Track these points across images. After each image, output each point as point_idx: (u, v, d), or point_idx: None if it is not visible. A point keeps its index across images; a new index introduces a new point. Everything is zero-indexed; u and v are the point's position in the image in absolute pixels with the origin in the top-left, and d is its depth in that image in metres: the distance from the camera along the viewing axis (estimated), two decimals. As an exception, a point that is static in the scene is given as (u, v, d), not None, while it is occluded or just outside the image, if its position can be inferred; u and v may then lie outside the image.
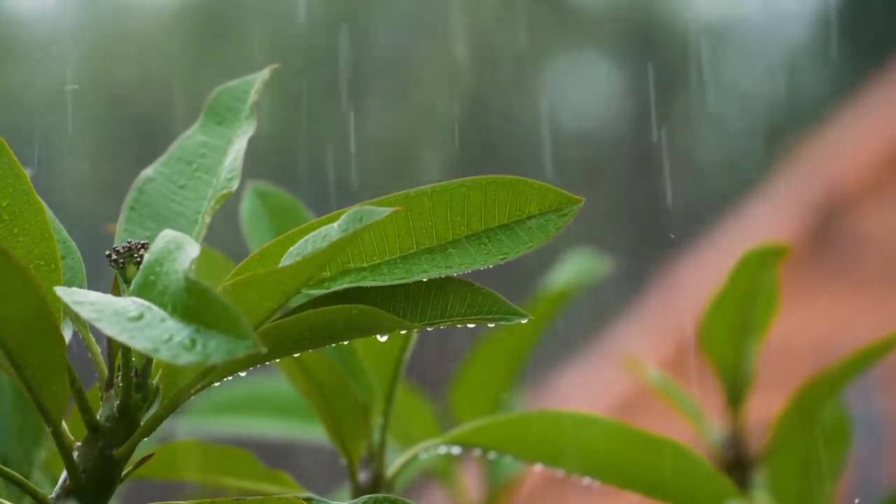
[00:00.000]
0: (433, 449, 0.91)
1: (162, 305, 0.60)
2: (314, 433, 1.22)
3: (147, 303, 0.61)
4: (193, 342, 0.57)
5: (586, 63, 5.53)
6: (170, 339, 0.57)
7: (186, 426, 1.19)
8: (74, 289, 0.63)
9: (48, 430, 0.66)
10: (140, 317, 0.59)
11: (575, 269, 1.44)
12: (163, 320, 0.59)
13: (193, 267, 0.61)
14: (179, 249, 0.62)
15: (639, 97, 5.12)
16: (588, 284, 1.45)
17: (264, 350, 0.57)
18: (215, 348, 0.57)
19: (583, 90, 5.35)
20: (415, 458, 0.92)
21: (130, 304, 0.61)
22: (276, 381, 1.22)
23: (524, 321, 0.68)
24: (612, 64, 5.45)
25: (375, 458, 0.93)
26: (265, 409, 1.23)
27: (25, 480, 0.67)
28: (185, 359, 0.56)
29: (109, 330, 0.58)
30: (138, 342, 0.57)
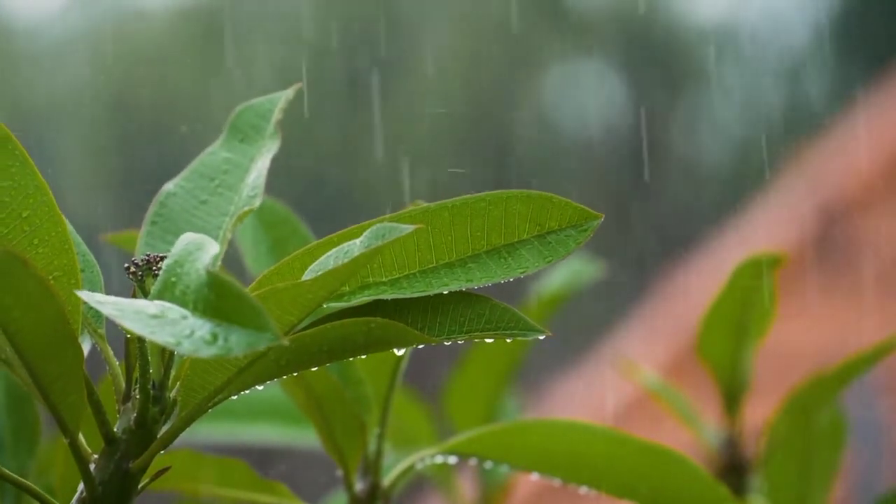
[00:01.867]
0: (429, 458, 0.92)
1: (183, 304, 0.62)
2: (308, 438, 1.25)
3: (168, 304, 0.63)
4: (215, 336, 0.59)
5: (587, 69, 5.57)
6: (191, 333, 0.59)
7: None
8: (95, 293, 0.65)
9: (66, 441, 0.68)
10: (161, 314, 0.61)
11: (568, 273, 1.47)
12: (184, 317, 0.61)
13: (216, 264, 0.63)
14: (200, 249, 0.64)
15: (640, 103, 5.16)
16: (581, 288, 1.49)
17: (286, 342, 0.58)
18: (237, 342, 0.59)
19: (584, 96, 5.38)
20: (411, 467, 0.93)
21: (150, 304, 0.62)
22: (270, 385, 1.24)
23: (541, 337, 0.71)
24: (613, 70, 5.48)
25: (372, 468, 0.95)
26: (258, 413, 1.26)
27: (43, 493, 0.70)
28: (207, 352, 0.58)
29: (131, 326, 0.60)
30: (160, 337, 0.59)
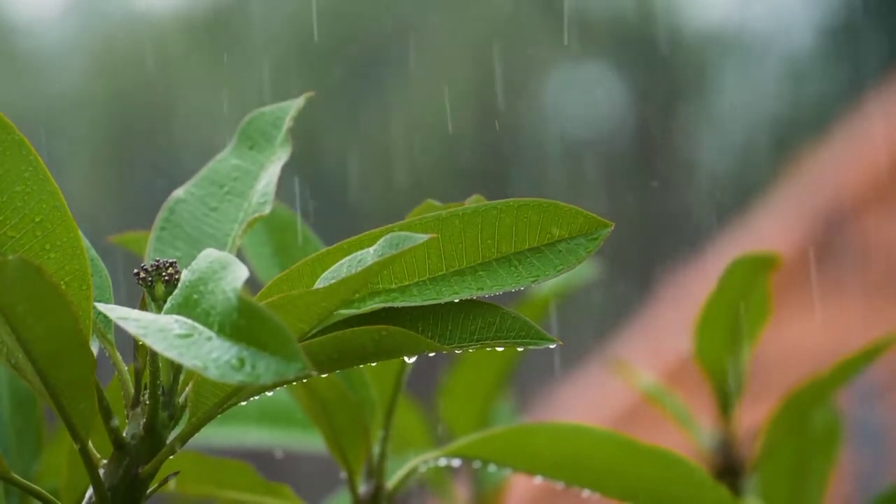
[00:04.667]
0: (433, 462, 0.93)
1: (207, 324, 0.62)
2: (310, 442, 1.26)
3: (190, 321, 0.62)
4: (242, 361, 0.59)
5: (591, 73, 5.59)
6: (217, 357, 0.59)
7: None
8: (116, 306, 0.65)
9: (76, 446, 0.68)
10: (188, 335, 0.61)
11: (562, 275, 1.48)
12: (209, 339, 0.60)
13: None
14: (225, 269, 0.64)
15: (643, 107, 5.18)
16: (576, 290, 1.50)
17: (315, 373, 0.58)
18: (265, 369, 0.59)
19: (587, 99, 5.40)
20: (415, 470, 0.95)
21: (173, 322, 0.62)
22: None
23: (552, 346, 0.71)
24: (616, 73, 5.50)
25: (375, 470, 0.96)
26: (262, 418, 1.26)
27: (50, 496, 0.70)
28: (235, 378, 0.58)
29: (157, 346, 0.60)
30: (186, 360, 0.59)
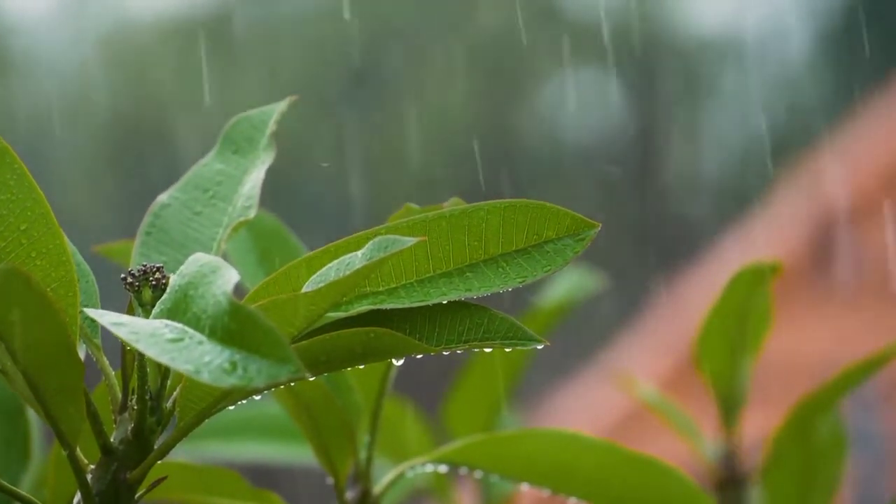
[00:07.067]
0: (420, 467, 0.94)
1: (198, 328, 0.63)
2: (298, 455, 1.28)
3: (181, 325, 0.63)
4: (234, 365, 0.60)
5: (587, 80, 5.61)
6: (209, 361, 0.60)
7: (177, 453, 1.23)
8: (107, 311, 0.66)
9: (64, 452, 0.69)
10: (179, 339, 0.62)
11: (568, 285, 1.50)
12: (200, 343, 0.61)
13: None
14: (215, 273, 0.65)
15: (640, 114, 5.20)
16: (582, 301, 1.52)
17: (308, 376, 0.59)
18: (257, 372, 0.60)
19: (584, 107, 5.42)
20: (402, 475, 0.96)
21: (163, 326, 0.63)
22: (258, 403, 1.27)
23: (539, 346, 0.73)
24: (613, 81, 5.52)
25: (362, 476, 0.97)
26: (249, 432, 1.28)
27: (35, 500, 0.71)
28: (227, 382, 0.59)
29: (150, 351, 0.61)
30: (178, 364, 0.60)
